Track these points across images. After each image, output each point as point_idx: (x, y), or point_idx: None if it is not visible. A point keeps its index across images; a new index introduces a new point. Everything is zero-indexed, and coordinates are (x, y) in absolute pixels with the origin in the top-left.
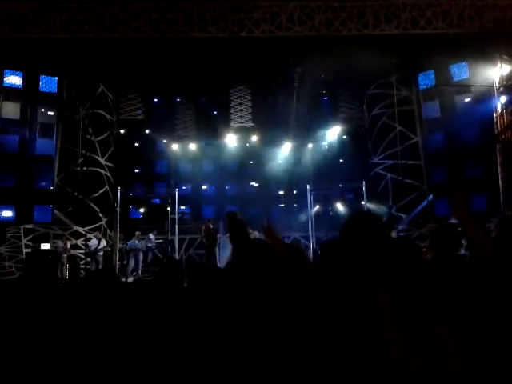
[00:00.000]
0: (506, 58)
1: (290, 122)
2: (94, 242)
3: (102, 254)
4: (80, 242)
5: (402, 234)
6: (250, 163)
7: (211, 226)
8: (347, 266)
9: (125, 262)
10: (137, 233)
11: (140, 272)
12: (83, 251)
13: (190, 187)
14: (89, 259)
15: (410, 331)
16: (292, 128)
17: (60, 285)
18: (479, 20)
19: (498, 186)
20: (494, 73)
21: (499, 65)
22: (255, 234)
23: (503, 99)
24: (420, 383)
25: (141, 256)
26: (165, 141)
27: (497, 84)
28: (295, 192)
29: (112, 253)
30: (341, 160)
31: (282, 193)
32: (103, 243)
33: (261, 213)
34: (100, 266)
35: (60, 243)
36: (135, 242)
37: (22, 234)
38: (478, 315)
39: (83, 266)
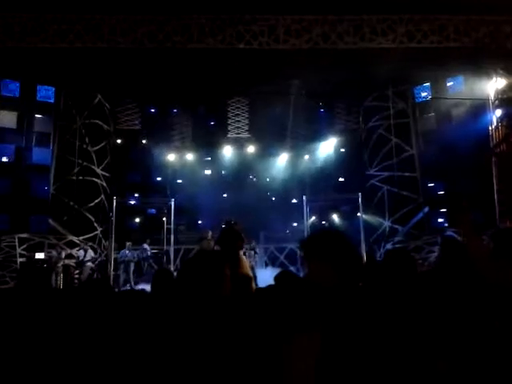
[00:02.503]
0: (501, 72)
1: (286, 133)
2: (81, 253)
3: (89, 264)
4: (75, 251)
5: (397, 245)
6: (246, 174)
7: (208, 237)
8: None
9: (119, 273)
10: (127, 243)
11: (133, 283)
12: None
13: (187, 198)
14: (78, 270)
15: None
16: (288, 139)
17: (54, 294)
18: (475, 34)
19: (493, 198)
20: (489, 86)
21: (494, 78)
22: (253, 245)
23: (498, 112)
24: None
25: (131, 267)
26: (161, 151)
27: (492, 97)
28: (291, 203)
29: (106, 263)
30: (337, 171)
31: (278, 204)
32: (90, 253)
33: (257, 223)
34: (87, 277)
35: (54, 253)
36: (125, 253)
37: (17, 243)
38: (477, 325)
39: (77, 276)
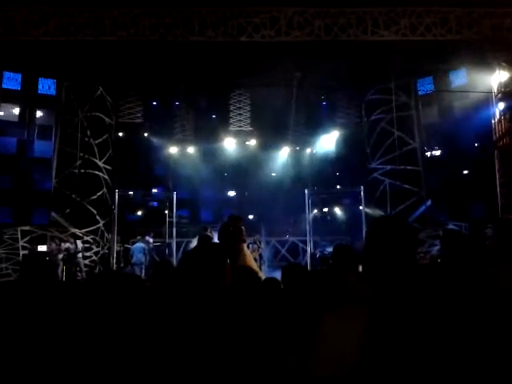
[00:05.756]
0: (504, 64)
1: (288, 126)
2: (71, 247)
3: (81, 255)
4: (65, 245)
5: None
6: (248, 167)
7: (208, 232)
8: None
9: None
10: (138, 237)
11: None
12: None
13: (188, 190)
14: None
15: None
16: (290, 132)
17: (57, 287)
18: (478, 27)
19: (495, 192)
20: (492, 79)
21: (497, 71)
22: (257, 238)
23: (501, 105)
24: None
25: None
26: (163, 144)
27: (495, 90)
28: (293, 196)
29: (109, 255)
30: (339, 165)
31: (280, 197)
32: (80, 245)
33: (258, 217)
34: (83, 269)
35: (54, 245)
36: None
37: (19, 236)
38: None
39: (78, 268)
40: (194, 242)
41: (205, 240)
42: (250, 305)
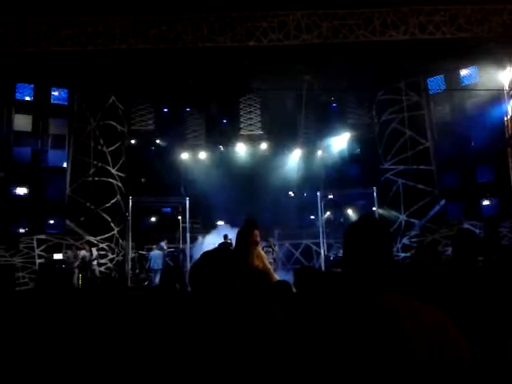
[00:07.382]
0: None
1: (299, 129)
2: (86, 254)
3: (96, 263)
4: (82, 253)
5: (414, 239)
6: (260, 171)
7: (227, 240)
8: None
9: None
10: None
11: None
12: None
13: (201, 196)
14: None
15: (418, 322)
16: (301, 135)
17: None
18: (488, 24)
19: (509, 189)
20: (503, 76)
21: (508, 68)
22: (271, 241)
23: None
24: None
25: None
26: (175, 150)
27: (506, 87)
28: (306, 199)
29: (124, 262)
30: (351, 166)
31: (292, 200)
32: (95, 252)
33: (271, 220)
34: (98, 276)
35: (69, 253)
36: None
37: (35, 245)
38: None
39: (94, 276)
40: (206, 241)
41: (224, 248)
42: (255, 306)
